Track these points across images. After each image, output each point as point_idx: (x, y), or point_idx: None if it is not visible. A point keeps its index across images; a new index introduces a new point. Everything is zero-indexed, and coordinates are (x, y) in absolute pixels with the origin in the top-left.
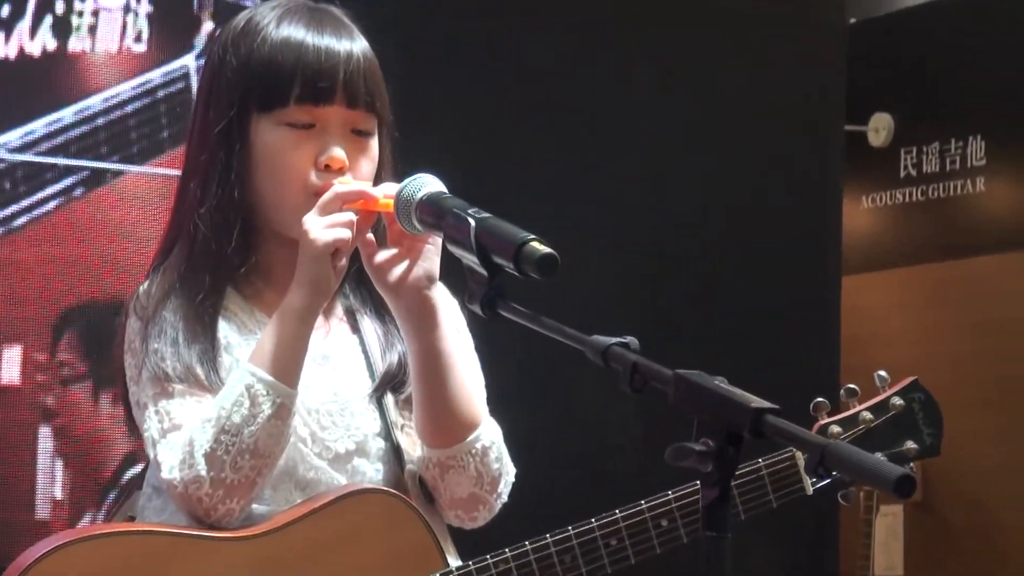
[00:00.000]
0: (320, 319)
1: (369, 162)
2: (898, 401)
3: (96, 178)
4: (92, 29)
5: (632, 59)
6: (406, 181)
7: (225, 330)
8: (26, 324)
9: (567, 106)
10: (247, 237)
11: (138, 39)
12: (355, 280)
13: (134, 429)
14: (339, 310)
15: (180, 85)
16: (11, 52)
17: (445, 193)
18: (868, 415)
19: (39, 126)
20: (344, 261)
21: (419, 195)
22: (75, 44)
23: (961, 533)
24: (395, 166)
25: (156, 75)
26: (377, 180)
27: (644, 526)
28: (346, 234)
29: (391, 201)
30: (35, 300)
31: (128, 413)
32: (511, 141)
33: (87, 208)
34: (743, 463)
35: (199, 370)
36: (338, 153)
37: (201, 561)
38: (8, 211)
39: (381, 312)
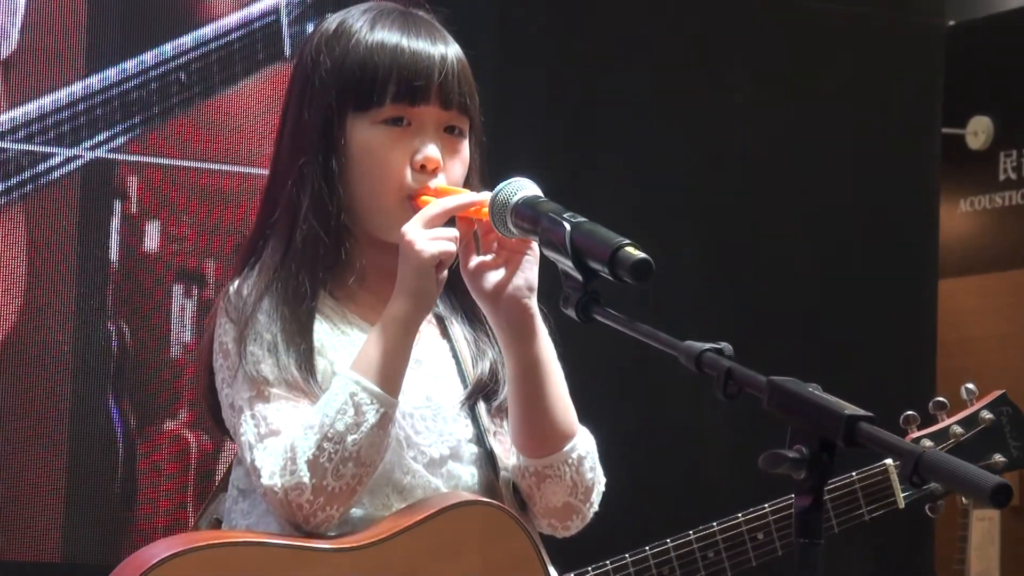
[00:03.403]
0: None
1: (461, 164)
2: (987, 415)
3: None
4: None
5: (729, 64)
6: (501, 185)
7: (317, 331)
8: None
9: (663, 109)
10: (341, 238)
11: None
12: (444, 286)
13: (221, 428)
14: (429, 314)
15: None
16: None
17: (541, 197)
18: (958, 429)
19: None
20: (445, 273)
21: (515, 199)
22: None
23: None
24: (483, 170)
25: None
26: (466, 183)
27: (741, 539)
28: (451, 248)
29: None
30: None
31: (211, 412)
32: (605, 146)
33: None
34: (837, 475)
35: (297, 374)
36: (433, 152)
37: (307, 573)
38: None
39: (471, 318)
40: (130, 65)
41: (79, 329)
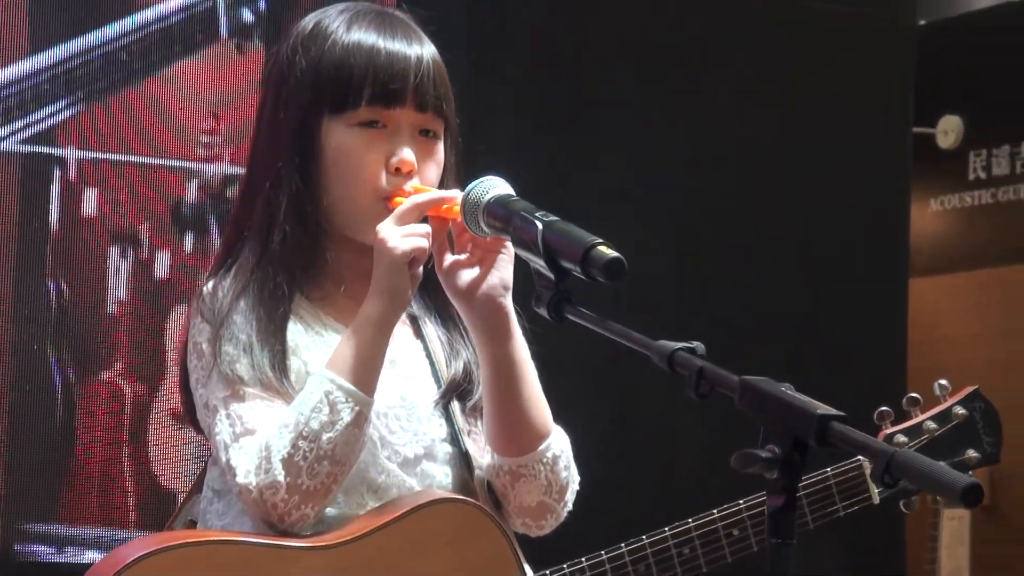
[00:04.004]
0: None
1: (436, 166)
2: (960, 410)
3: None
4: None
5: (703, 62)
6: (474, 183)
7: (292, 332)
8: None
9: (639, 108)
10: (318, 240)
11: None
12: (418, 286)
13: (196, 427)
14: (403, 315)
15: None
16: None
17: (513, 196)
18: (932, 424)
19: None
20: (419, 270)
21: (487, 197)
22: None
23: None
24: (459, 171)
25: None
26: (442, 185)
27: (716, 535)
28: (423, 244)
29: None
30: None
31: (188, 412)
32: (580, 146)
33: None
34: (812, 471)
35: (271, 374)
36: (408, 155)
37: (282, 571)
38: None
39: (445, 318)
40: (73, 44)
41: (20, 287)
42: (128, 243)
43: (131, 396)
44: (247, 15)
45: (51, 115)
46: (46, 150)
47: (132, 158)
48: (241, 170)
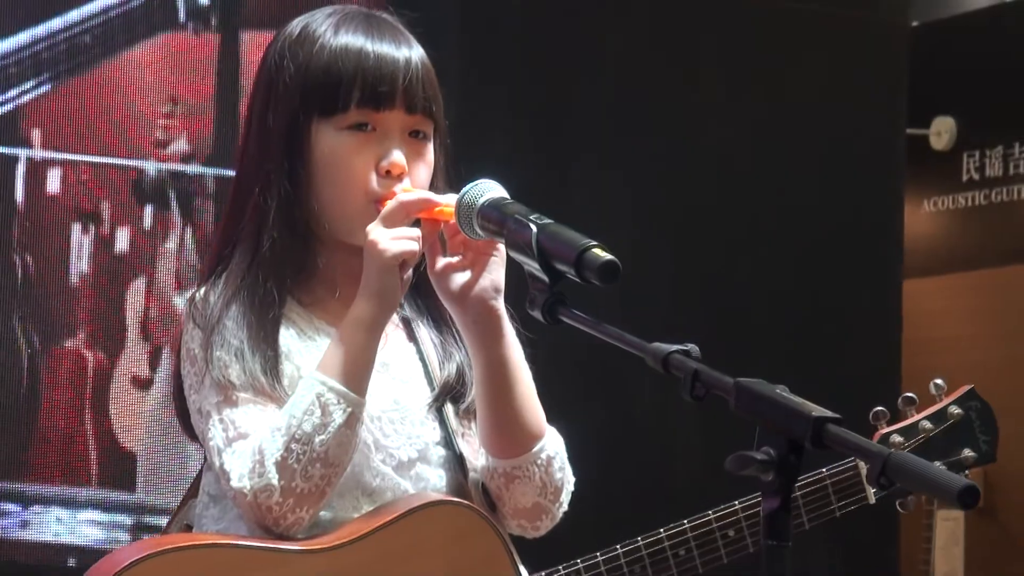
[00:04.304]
0: None
1: (426, 167)
2: (956, 410)
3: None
4: None
5: (697, 62)
6: (468, 186)
7: (285, 337)
8: None
9: (632, 109)
10: (308, 244)
11: None
12: (411, 289)
13: (190, 434)
14: (395, 318)
15: None
16: None
17: (507, 198)
18: (928, 424)
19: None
20: (410, 273)
21: (481, 200)
22: None
23: (1023, 538)
24: (448, 173)
25: None
26: (431, 187)
27: (711, 536)
28: (414, 247)
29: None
30: None
31: (181, 418)
32: (572, 146)
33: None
34: (808, 471)
35: (263, 379)
36: (398, 158)
37: (278, 573)
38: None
39: (437, 321)
40: (39, 29)
41: None
42: (90, 220)
43: (93, 363)
44: None
45: (15, 98)
46: (9, 136)
47: (93, 153)
48: (197, 165)
